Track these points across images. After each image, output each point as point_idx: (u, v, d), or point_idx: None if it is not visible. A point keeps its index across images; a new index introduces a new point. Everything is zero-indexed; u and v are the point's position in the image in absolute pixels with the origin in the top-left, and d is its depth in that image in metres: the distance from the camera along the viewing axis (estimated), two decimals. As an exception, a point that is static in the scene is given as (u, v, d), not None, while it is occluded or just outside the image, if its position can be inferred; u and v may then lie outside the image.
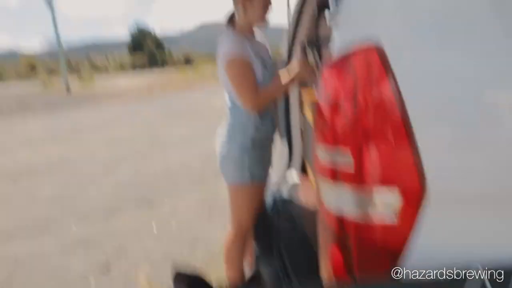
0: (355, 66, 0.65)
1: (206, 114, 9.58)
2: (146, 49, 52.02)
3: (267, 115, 1.67)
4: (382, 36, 0.66)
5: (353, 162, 0.67)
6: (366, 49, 0.65)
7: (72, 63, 45.04)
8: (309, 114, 1.93)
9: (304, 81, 1.61)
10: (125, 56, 54.10)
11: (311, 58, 1.62)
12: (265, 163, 1.73)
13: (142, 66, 47.56)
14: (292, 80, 1.59)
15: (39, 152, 6.20)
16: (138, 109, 11.69)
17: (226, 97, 1.67)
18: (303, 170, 2.37)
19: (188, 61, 52.70)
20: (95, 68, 46.78)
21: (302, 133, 2.29)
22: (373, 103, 0.64)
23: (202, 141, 6.32)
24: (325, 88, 0.72)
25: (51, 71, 39.93)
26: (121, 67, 47.28)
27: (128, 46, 58.72)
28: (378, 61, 0.63)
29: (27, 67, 43.22)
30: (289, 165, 2.44)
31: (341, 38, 0.75)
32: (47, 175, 4.81)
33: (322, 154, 0.73)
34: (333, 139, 0.69)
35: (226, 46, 1.53)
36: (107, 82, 25.68)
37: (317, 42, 1.67)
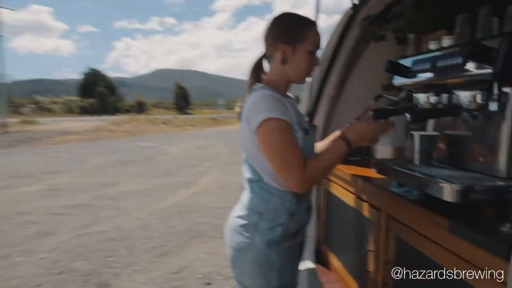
0: None
1: (160, 162, 8.90)
2: (98, 93, 50.41)
3: (305, 197, 1.21)
4: None
5: None
6: None
7: (15, 102, 42.01)
8: (336, 190, 1.52)
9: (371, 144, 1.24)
10: (75, 99, 51.85)
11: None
12: (296, 263, 1.25)
13: (93, 111, 45.64)
14: (356, 144, 1.14)
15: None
16: (84, 153, 10.70)
17: (246, 168, 1.20)
18: (318, 257, 1.88)
19: (140, 106, 51.53)
20: (40, 109, 44.00)
21: (319, 212, 1.85)
22: None
23: (158, 195, 5.63)
24: None
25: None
26: (70, 111, 44.96)
27: (78, 88, 56.80)
28: None
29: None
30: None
31: None
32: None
33: None
34: None
35: (260, 105, 1.09)
36: (51, 124, 23.87)
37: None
